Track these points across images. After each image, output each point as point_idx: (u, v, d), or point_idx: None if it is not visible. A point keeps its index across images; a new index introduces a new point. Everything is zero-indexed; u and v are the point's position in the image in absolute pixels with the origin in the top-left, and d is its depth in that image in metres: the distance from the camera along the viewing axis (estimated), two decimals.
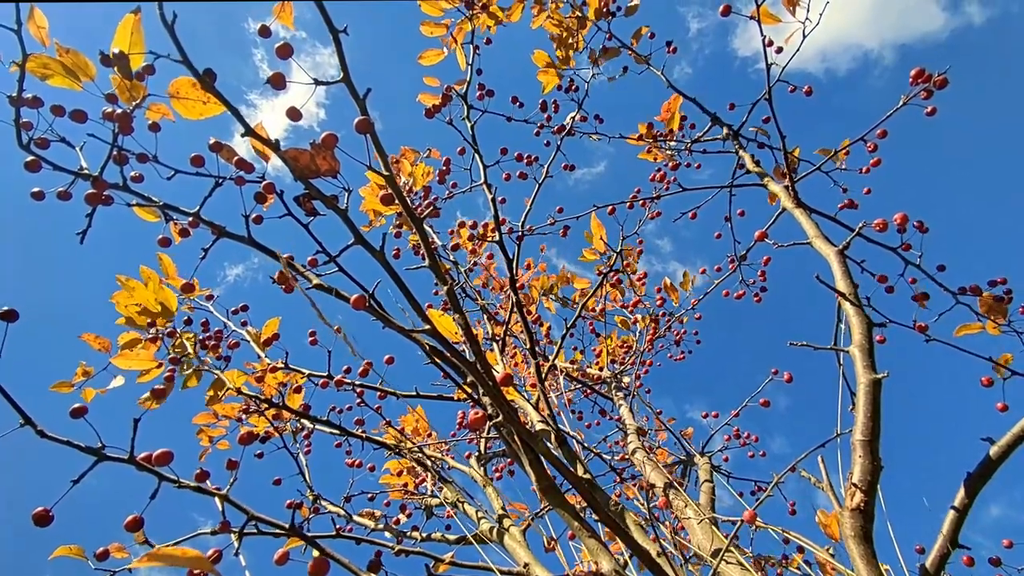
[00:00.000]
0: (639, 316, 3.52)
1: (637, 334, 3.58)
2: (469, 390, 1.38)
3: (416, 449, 2.27)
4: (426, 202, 2.43)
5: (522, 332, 3.06)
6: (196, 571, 0.99)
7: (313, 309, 0.93)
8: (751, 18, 2.10)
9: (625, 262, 3.41)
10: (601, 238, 2.90)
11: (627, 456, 2.55)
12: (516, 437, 1.22)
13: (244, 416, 2.22)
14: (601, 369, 3.54)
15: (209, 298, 2.20)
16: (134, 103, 1.15)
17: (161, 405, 1.96)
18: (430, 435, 2.55)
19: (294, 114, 1.11)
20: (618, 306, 3.52)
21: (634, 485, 2.55)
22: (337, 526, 1.99)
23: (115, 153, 1.12)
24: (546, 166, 2.35)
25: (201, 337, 2.15)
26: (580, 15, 2.50)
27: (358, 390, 2.13)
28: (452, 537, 2.51)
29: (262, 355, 2.16)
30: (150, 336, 1.97)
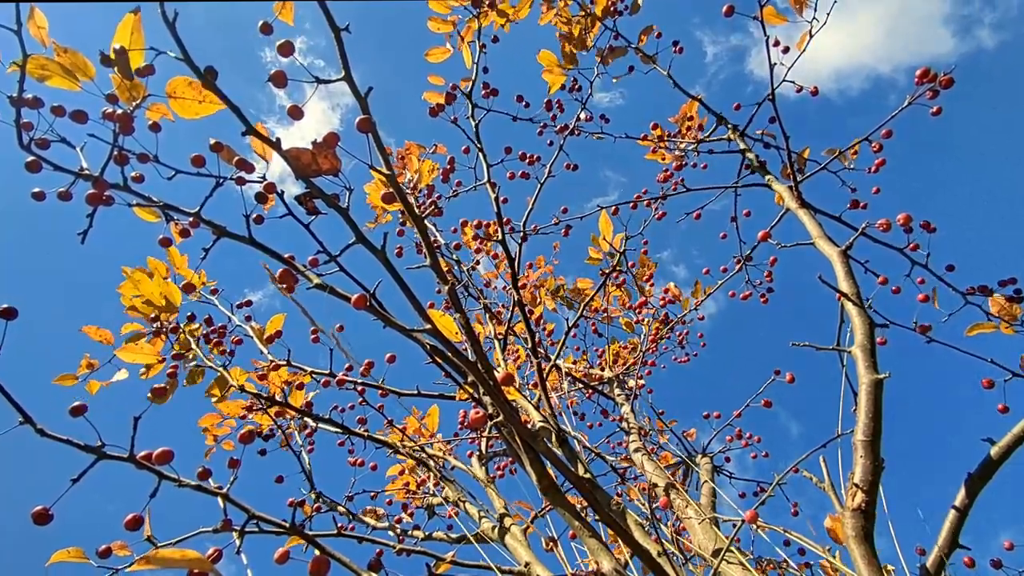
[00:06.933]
0: (644, 318, 3.51)
1: (642, 336, 3.58)
2: (470, 389, 1.38)
3: (418, 448, 2.27)
4: (429, 200, 2.43)
5: (524, 332, 3.06)
6: (196, 571, 0.99)
7: (305, 316, 0.93)
8: (754, 18, 2.10)
9: (635, 265, 3.42)
10: (605, 238, 2.89)
11: (628, 456, 2.55)
12: (517, 436, 1.22)
13: (248, 414, 2.23)
14: (603, 369, 3.54)
15: (214, 292, 2.20)
16: (134, 103, 1.15)
17: (165, 403, 1.96)
18: (434, 435, 2.55)
19: (296, 113, 1.11)
20: (625, 309, 3.52)
21: (636, 486, 2.55)
22: (339, 525, 1.99)
23: (116, 153, 1.12)
24: (548, 165, 2.35)
25: (205, 332, 2.16)
26: (588, 12, 2.49)
27: (359, 388, 2.13)
28: (453, 536, 2.51)
29: (265, 352, 2.16)
30: (154, 330, 1.98)
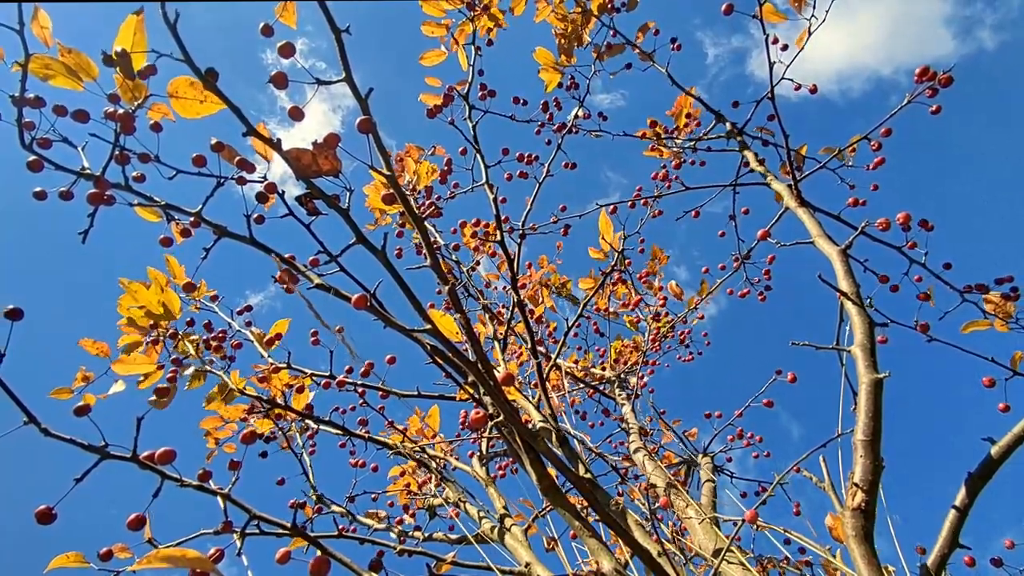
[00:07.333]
0: (641, 315, 3.51)
1: (645, 334, 3.57)
2: (470, 390, 1.38)
3: (419, 449, 2.27)
4: (428, 201, 2.43)
5: (525, 332, 3.06)
6: (198, 571, 0.99)
7: (311, 311, 0.93)
8: (753, 17, 2.10)
9: (651, 260, 3.42)
10: (604, 237, 2.89)
11: (629, 456, 2.55)
12: (517, 437, 1.22)
13: (248, 417, 2.22)
14: (604, 369, 3.54)
15: (214, 299, 2.20)
16: (136, 103, 1.15)
17: (165, 408, 1.95)
18: (435, 436, 2.56)
19: (296, 114, 1.11)
20: (625, 307, 3.52)
21: (637, 486, 2.55)
22: (340, 526, 2.00)
23: (117, 153, 1.13)
24: (547, 164, 2.35)
25: (205, 338, 2.15)
26: (584, 9, 2.49)
27: (360, 390, 2.13)
28: (454, 537, 2.51)
29: (266, 355, 2.16)
30: (152, 338, 1.97)
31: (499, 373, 1.15)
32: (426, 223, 1.82)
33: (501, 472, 2.97)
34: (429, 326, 1.08)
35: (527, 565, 1.78)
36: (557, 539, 1.92)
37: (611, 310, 3.44)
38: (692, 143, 2.83)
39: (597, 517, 1.50)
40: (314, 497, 2.22)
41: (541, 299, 3.61)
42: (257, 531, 1.29)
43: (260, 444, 2.24)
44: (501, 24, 2.36)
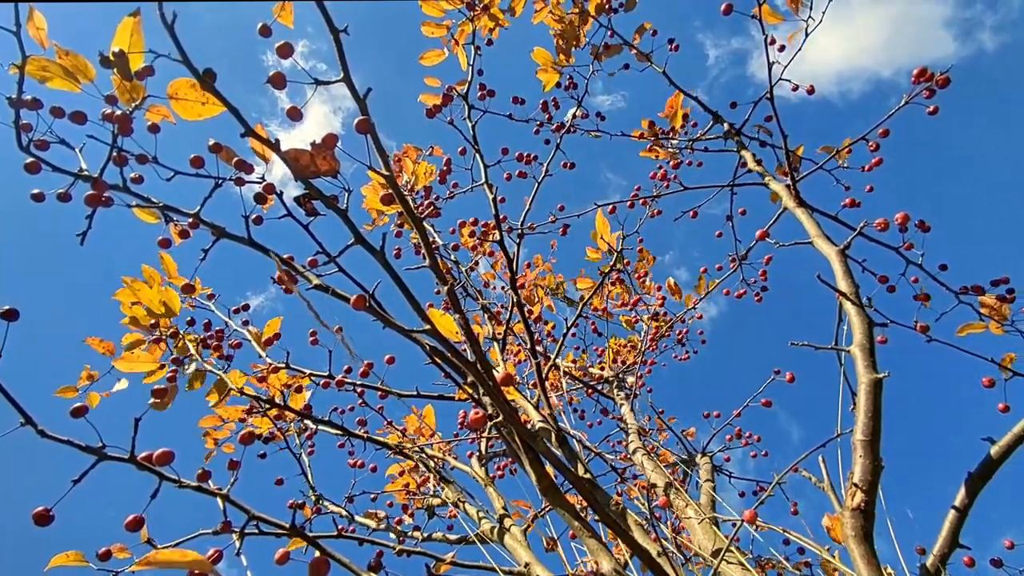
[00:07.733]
0: (639, 315, 3.51)
1: (642, 334, 3.57)
2: (470, 390, 1.38)
3: (418, 449, 2.27)
4: (427, 201, 2.42)
5: (523, 332, 3.05)
6: (196, 571, 0.99)
7: (310, 312, 0.93)
8: (752, 17, 2.10)
9: (639, 262, 3.42)
10: (603, 237, 2.89)
11: (628, 456, 2.55)
12: (516, 437, 1.22)
13: (247, 417, 2.22)
14: (602, 369, 3.54)
15: (211, 297, 2.20)
16: (134, 104, 1.15)
17: (164, 409, 1.95)
18: (433, 435, 2.55)
19: (295, 114, 1.11)
20: (622, 307, 3.52)
21: (636, 485, 2.55)
22: (339, 526, 1.99)
23: (115, 154, 1.12)
24: (545, 164, 2.35)
25: (203, 336, 2.15)
26: (581, 10, 2.49)
27: (359, 390, 2.13)
28: (453, 537, 2.51)
29: (264, 355, 2.16)
30: (153, 338, 1.98)
31: (498, 373, 1.14)
32: (425, 223, 1.82)
33: (500, 472, 2.97)
34: (428, 326, 1.08)
35: (526, 565, 1.78)
36: (556, 539, 1.92)
37: (607, 310, 3.44)
38: (689, 143, 2.83)
39: (596, 517, 1.51)
40: (313, 497, 2.22)
41: (537, 299, 3.61)
42: (256, 531, 1.29)
43: (259, 444, 2.24)
44: (502, 23, 2.35)
